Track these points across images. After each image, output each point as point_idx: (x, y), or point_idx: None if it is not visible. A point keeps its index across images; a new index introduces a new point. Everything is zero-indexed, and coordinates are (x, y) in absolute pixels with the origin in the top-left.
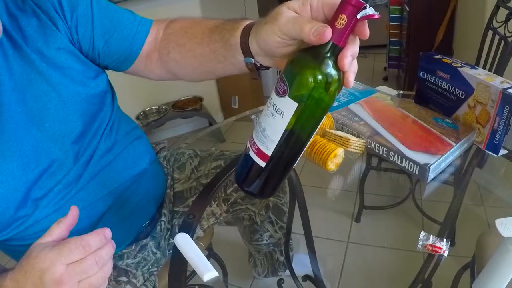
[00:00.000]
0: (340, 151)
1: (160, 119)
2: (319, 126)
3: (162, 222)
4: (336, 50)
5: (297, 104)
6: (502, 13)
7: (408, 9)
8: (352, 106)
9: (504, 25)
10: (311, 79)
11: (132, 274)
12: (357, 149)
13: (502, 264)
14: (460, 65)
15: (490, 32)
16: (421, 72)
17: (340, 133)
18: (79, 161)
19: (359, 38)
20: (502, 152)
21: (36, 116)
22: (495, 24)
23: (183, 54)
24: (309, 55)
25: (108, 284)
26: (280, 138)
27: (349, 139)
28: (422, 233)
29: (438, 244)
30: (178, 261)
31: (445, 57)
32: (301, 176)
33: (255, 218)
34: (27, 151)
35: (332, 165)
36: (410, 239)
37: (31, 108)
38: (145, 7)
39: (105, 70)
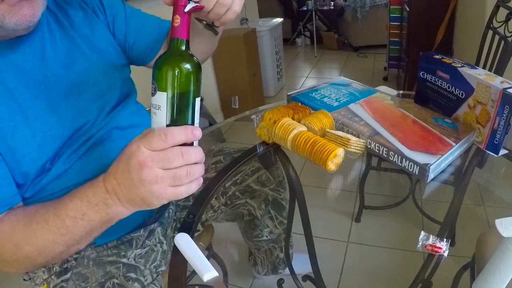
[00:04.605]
0: (340, 151)
1: None
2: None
3: (170, 210)
4: (183, 42)
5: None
6: (502, 13)
7: (408, 9)
8: (352, 106)
9: (504, 25)
10: (169, 68)
11: (140, 272)
12: (357, 149)
13: (502, 264)
14: (460, 65)
15: (490, 32)
16: (421, 72)
17: (340, 133)
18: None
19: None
20: (502, 152)
21: (76, 88)
22: (495, 24)
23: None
24: (166, 54)
25: (116, 279)
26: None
27: (349, 139)
28: (422, 233)
29: (438, 244)
30: (178, 261)
31: (445, 57)
32: (301, 176)
33: (255, 212)
34: (64, 109)
35: (332, 165)
36: (410, 239)
37: (72, 82)
38: (148, 6)
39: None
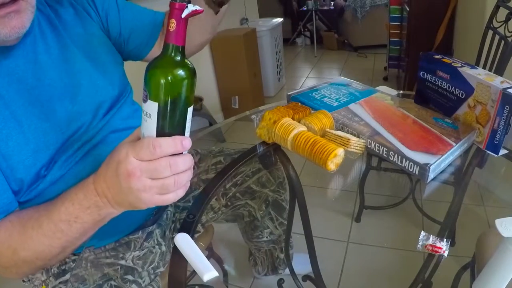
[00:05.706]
0: (340, 151)
1: None
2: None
3: (169, 212)
4: (178, 49)
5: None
6: (502, 13)
7: (408, 9)
8: (352, 106)
9: (504, 25)
10: (162, 79)
11: (138, 273)
12: (357, 149)
13: (502, 264)
14: (460, 65)
15: (490, 32)
16: (421, 72)
17: (340, 133)
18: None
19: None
20: (502, 152)
21: (70, 91)
22: (495, 24)
23: None
24: (159, 61)
25: (114, 281)
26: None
27: (349, 139)
28: (422, 233)
29: (438, 244)
30: (178, 261)
31: (445, 57)
32: (301, 176)
33: (255, 213)
34: (58, 114)
35: (332, 165)
36: (410, 239)
37: (66, 85)
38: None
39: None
